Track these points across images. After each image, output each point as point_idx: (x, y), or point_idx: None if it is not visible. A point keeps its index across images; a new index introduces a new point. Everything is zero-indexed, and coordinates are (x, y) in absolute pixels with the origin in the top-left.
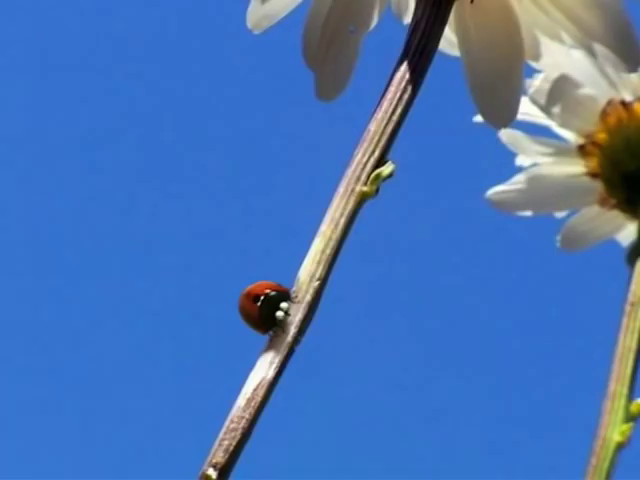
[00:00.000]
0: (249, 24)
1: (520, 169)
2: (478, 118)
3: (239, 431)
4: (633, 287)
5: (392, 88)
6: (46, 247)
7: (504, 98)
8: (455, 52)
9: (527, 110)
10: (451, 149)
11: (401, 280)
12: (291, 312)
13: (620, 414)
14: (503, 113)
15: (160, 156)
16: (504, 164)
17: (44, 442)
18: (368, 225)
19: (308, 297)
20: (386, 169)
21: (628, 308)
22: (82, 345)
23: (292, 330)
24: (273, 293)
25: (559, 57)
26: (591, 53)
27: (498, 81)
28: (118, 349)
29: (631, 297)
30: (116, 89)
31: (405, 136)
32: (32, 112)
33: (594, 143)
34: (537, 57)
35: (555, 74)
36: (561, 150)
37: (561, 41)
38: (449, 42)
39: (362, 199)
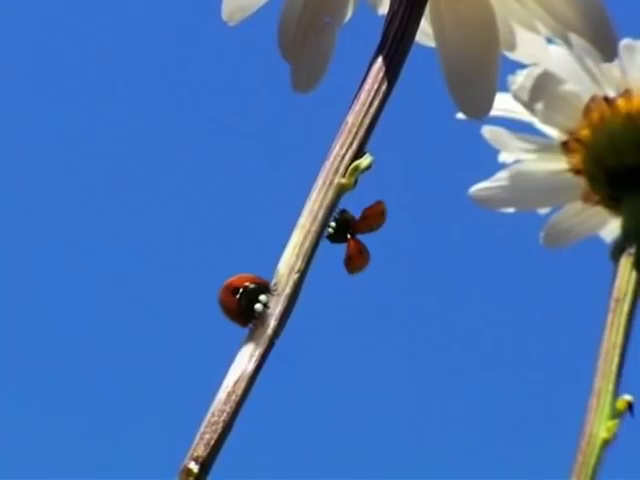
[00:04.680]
0: (224, 16)
1: (503, 166)
2: (461, 115)
3: (220, 424)
4: (618, 283)
5: (369, 80)
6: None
7: (480, 89)
8: (431, 43)
9: (510, 107)
10: (433, 143)
11: (380, 273)
12: (271, 305)
13: (606, 410)
14: (479, 104)
15: (140, 147)
16: (487, 161)
17: (25, 438)
18: None
19: (288, 290)
20: (364, 161)
21: (613, 304)
22: (61, 338)
23: (272, 323)
24: (252, 286)
25: (535, 48)
26: (567, 43)
27: (474, 72)
28: (97, 342)
29: (616, 293)
30: (101, 78)
31: (383, 128)
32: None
33: (577, 139)
34: (513, 47)
35: (538, 71)
36: (544, 147)
37: (537, 31)
38: (425, 33)
39: (340, 191)
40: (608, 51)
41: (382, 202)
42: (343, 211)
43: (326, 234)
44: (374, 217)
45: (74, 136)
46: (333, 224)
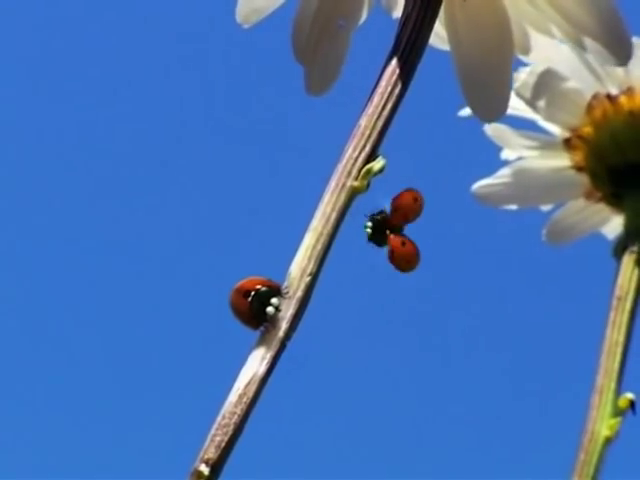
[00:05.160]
0: (238, 18)
1: (506, 163)
2: (463, 112)
3: (231, 427)
4: (620, 281)
5: (383, 83)
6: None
7: (494, 92)
8: (445, 46)
9: (512, 104)
10: (436, 141)
11: (391, 275)
12: (282, 307)
13: (608, 408)
14: (493, 107)
15: (153, 149)
16: (490, 158)
17: (34, 441)
18: (359, 220)
19: (299, 292)
20: (377, 164)
21: (615, 302)
22: (73, 340)
23: (283, 326)
24: (264, 289)
25: (549, 51)
26: (581, 47)
27: (488, 75)
28: (109, 345)
29: (618, 291)
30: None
31: (396, 131)
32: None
33: (580, 137)
34: (527, 51)
35: (541, 68)
36: (547, 144)
37: (551, 35)
38: (439, 36)
39: (353, 194)
40: (622, 54)
41: (411, 190)
42: (380, 212)
43: (366, 237)
44: (407, 207)
45: (73, 136)
46: (370, 224)
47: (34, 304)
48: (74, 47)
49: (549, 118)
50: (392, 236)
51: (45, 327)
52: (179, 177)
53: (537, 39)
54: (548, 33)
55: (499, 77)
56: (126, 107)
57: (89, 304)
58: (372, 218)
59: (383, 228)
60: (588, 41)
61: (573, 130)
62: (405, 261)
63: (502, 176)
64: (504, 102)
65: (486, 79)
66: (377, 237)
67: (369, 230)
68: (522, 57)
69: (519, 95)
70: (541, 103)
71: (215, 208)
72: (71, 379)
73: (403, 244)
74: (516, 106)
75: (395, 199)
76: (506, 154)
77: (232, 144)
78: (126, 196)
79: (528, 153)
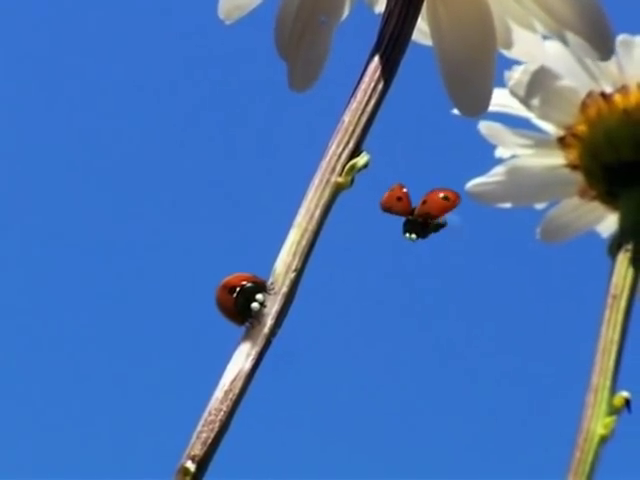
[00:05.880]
0: (220, 15)
1: (500, 161)
2: (456, 110)
3: (217, 423)
4: (615, 279)
5: (366, 79)
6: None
7: (477, 87)
8: (428, 42)
9: (506, 102)
10: (429, 139)
11: (376, 272)
12: (267, 304)
13: (603, 407)
14: (476, 103)
15: (138, 148)
16: (483, 156)
17: (20, 437)
18: (343, 216)
19: (284, 288)
20: (361, 160)
21: (610, 300)
22: (58, 335)
23: (268, 322)
24: (249, 285)
25: (531, 46)
26: (564, 42)
27: (470, 71)
28: (93, 341)
29: (613, 289)
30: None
31: (380, 127)
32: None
33: (574, 135)
34: (509, 46)
35: (535, 66)
36: (541, 142)
37: (533, 30)
38: (422, 32)
39: (337, 190)
40: (604, 49)
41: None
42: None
43: (423, 238)
44: (390, 199)
45: (68, 134)
46: (408, 235)
47: (18, 300)
48: (61, 47)
49: (543, 116)
50: (414, 216)
51: (32, 323)
52: (162, 173)
53: (520, 34)
54: (530, 28)
55: (482, 72)
56: (103, 102)
57: (73, 300)
58: (404, 230)
59: (416, 224)
60: (570, 36)
61: (567, 128)
62: (444, 208)
63: (496, 174)
64: (486, 97)
65: (469, 74)
66: (423, 230)
67: (414, 236)
68: (505, 52)
69: (513, 93)
70: (535, 101)
71: (199, 204)
72: (55, 376)
73: (424, 202)
74: (510, 104)
75: (382, 205)
76: (500, 152)
77: (215, 140)
78: (110, 191)
79: (522, 151)
